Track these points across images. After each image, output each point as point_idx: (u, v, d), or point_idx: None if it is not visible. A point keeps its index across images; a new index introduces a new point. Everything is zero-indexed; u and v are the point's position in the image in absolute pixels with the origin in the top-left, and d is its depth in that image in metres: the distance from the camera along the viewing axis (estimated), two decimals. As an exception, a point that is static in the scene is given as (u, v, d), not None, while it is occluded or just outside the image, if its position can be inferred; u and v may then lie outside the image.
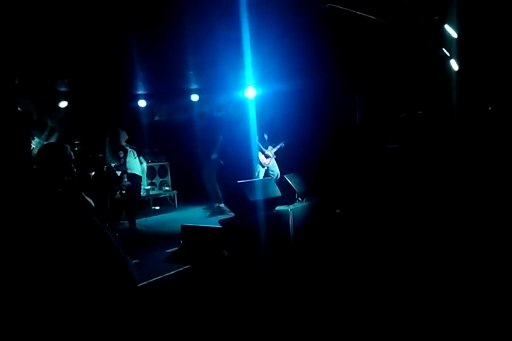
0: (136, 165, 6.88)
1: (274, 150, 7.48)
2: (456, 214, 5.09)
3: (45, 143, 5.99)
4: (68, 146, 3.04)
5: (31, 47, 5.06)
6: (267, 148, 7.44)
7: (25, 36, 4.46)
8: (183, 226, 4.93)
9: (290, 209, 5.39)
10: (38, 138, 6.10)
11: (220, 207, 7.21)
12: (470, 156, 5.78)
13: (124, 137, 7.24)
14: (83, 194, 2.90)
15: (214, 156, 7.48)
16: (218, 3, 4.31)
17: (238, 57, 6.05)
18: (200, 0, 4.26)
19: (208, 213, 7.18)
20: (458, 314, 3.19)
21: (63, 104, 8.22)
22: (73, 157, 3.00)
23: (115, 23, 4.76)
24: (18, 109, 5.65)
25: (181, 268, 4.01)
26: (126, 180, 6.38)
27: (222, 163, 7.40)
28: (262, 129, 7.53)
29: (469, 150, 5.84)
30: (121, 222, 6.44)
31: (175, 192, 7.95)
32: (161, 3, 4.24)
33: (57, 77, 7.50)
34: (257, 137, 7.39)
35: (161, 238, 5.64)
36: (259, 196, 5.13)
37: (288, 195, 5.72)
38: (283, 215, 5.32)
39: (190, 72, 7.58)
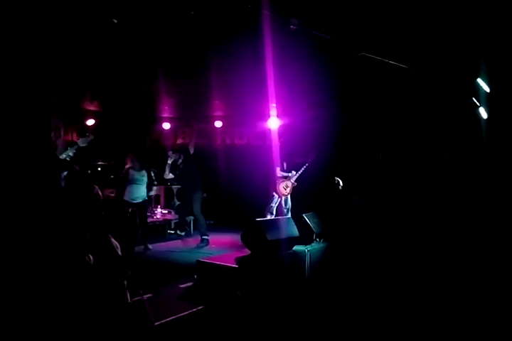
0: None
1: (296, 176, 7.33)
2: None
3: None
4: (97, 187, 3.09)
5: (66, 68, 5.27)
6: (289, 173, 7.29)
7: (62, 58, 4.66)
8: (198, 262, 4.90)
9: (307, 250, 5.31)
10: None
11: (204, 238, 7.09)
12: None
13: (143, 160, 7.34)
14: (110, 237, 2.92)
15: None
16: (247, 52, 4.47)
17: (263, 89, 6.17)
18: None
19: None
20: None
21: (90, 122, 8.44)
22: (103, 198, 3.06)
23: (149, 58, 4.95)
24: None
25: (194, 309, 3.99)
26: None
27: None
28: (282, 159, 7.49)
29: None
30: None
31: (191, 217, 7.96)
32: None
33: (88, 97, 7.72)
34: (278, 168, 7.35)
35: (175, 268, 5.62)
36: (277, 235, 5.08)
37: (306, 235, 5.64)
38: (300, 256, 5.25)
39: (216, 102, 7.73)
